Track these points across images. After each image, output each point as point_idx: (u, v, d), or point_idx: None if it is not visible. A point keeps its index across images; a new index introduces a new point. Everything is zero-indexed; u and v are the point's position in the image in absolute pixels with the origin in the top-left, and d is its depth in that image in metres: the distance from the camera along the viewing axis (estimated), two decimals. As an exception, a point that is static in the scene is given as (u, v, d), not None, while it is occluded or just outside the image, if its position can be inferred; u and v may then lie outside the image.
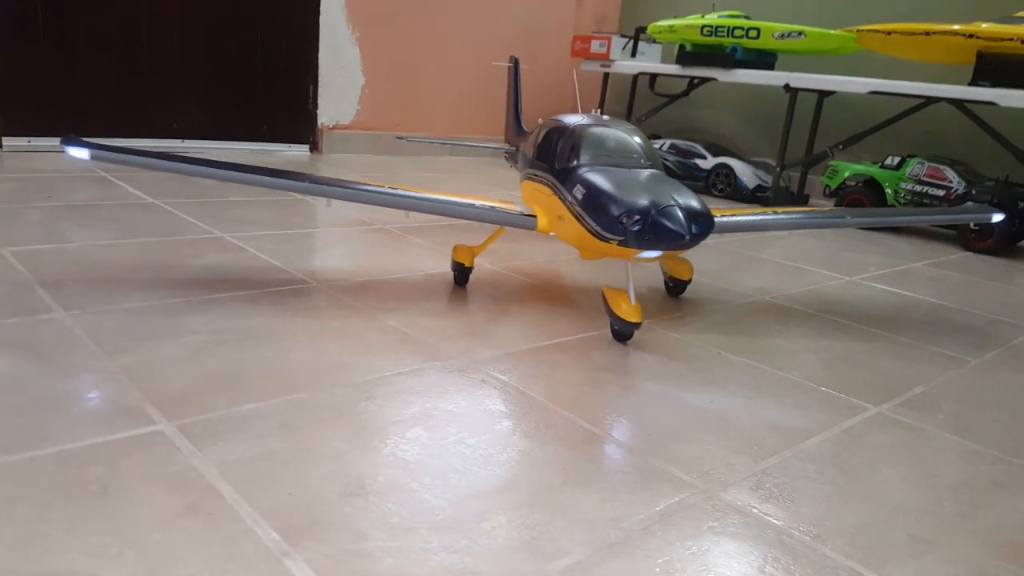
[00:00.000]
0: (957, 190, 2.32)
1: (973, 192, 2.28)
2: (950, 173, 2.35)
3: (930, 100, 2.46)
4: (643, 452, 0.80)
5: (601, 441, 0.82)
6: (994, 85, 2.27)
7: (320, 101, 2.93)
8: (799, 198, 2.99)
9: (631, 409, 0.91)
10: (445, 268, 1.44)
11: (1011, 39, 2.21)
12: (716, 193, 2.92)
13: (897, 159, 2.47)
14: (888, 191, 2.45)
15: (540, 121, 1.43)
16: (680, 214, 1.01)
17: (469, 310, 1.23)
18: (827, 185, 2.61)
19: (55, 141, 2.36)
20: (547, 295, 1.35)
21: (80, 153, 1.11)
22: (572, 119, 1.26)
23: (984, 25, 2.28)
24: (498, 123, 3.42)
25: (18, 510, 0.61)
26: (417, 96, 3.20)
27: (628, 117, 3.43)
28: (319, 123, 2.96)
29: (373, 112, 3.08)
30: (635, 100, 3.42)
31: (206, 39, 2.65)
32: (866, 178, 2.51)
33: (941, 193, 2.35)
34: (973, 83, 2.32)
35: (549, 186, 1.22)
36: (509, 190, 2.51)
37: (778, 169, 2.81)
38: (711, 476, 0.76)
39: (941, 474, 0.82)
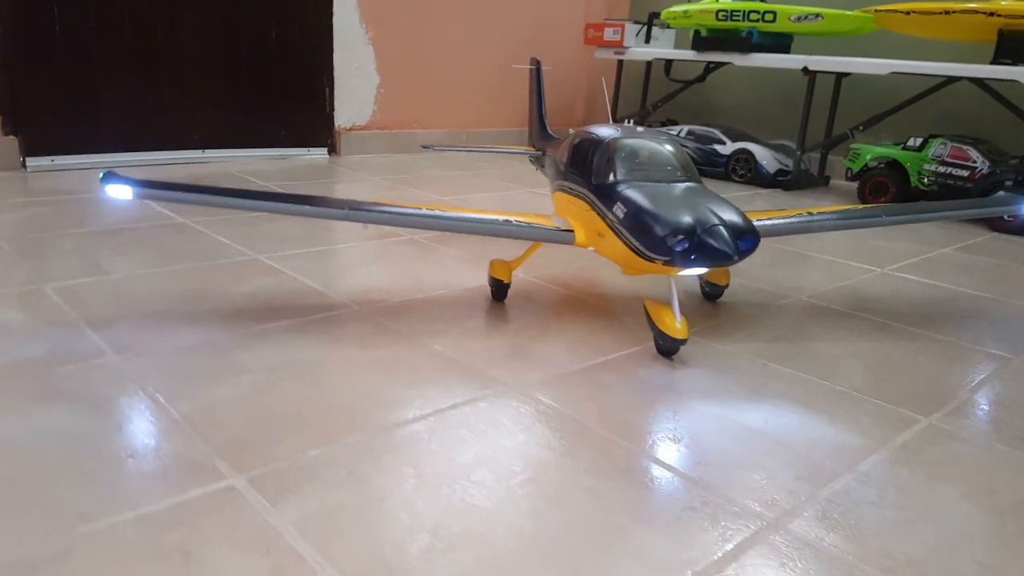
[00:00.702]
0: (981, 170, 2.30)
1: (998, 172, 2.26)
2: (973, 153, 2.33)
3: (951, 79, 2.44)
4: (706, 483, 0.81)
5: (662, 473, 0.83)
6: (1016, 63, 2.24)
7: (336, 103, 2.94)
8: (820, 180, 2.97)
9: (687, 434, 0.92)
10: (480, 281, 1.45)
11: (1035, 16, 2.18)
12: (736, 179, 2.91)
13: (919, 140, 2.44)
14: (911, 173, 2.44)
15: (571, 131, 1.43)
16: (726, 232, 1.01)
17: (511, 328, 1.24)
18: (849, 168, 2.59)
19: (78, 158, 2.40)
20: (586, 307, 1.36)
21: (122, 192, 1.12)
22: (606, 131, 1.26)
23: (1004, 2, 2.24)
24: (514, 112, 3.42)
25: (112, 580, 0.63)
26: (432, 91, 3.20)
27: (643, 104, 3.42)
28: (336, 125, 2.96)
29: (389, 111, 3.08)
30: (650, 86, 3.39)
31: (220, 48, 2.65)
32: (889, 160, 2.49)
33: (965, 174, 2.34)
34: (995, 61, 2.29)
35: (586, 201, 1.22)
36: (530, 186, 2.51)
37: (798, 153, 2.79)
38: (776, 506, 0.77)
39: (999, 490, 0.83)
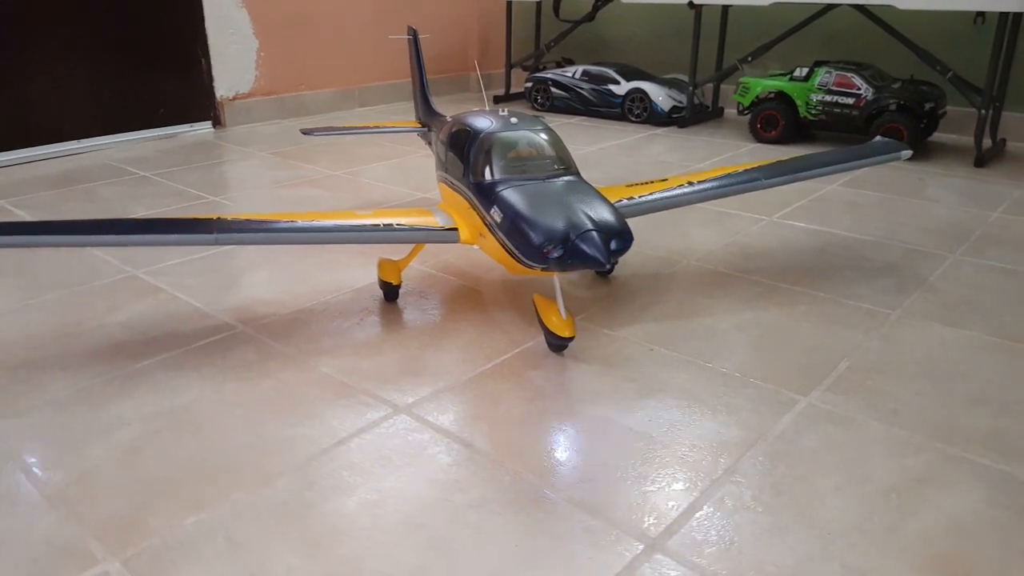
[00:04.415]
0: (866, 96, 2.36)
1: (882, 97, 2.32)
2: (858, 80, 2.37)
3: (831, 6, 2.46)
4: (591, 505, 0.82)
5: (548, 498, 0.84)
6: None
7: (215, 73, 2.77)
8: (714, 113, 2.99)
9: (573, 446, 0.93)
10: (371, 279, 1.42)
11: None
12: (633, 119, 2.90)
13: (805, 70, 2.47)
14: (799, 104, 2.47)
15: (449, 118, 1.38)
16: (598, 237, 1.00)
17: (404, 336, 1.22)
18: (739, 103, 2.61)
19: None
20: (482, 301, 1.35)
21: None
22: (482, 122, 1.22)
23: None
24: (401, 66, 3.30)
25: None
26: (316, 50, 3.05)
27: (536, 45, 3.34)
28: (218, 96, 2.80)
29: (273, 75, 2.93)
30: (542, 26, 3.31)
31: (81, 26, 2.44)
32: (777, 92, 2.52)
33: (851, 101, 2.39)
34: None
35: (466, 199, 1.20)
36: (425, 150, 2.45)
37: (690, 88, 2.80)
38: (654, 525, 0.80)
39: (872, 477, 0.87)
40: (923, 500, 0.83)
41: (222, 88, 2.80)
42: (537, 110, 3.13)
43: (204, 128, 2.80)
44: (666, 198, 1.32)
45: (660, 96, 2.83)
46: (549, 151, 1.17)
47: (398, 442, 0.94)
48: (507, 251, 1.08)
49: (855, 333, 1.21)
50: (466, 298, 1.36)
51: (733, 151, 2.47)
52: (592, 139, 2.66)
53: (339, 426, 0.97)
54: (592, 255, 0.99)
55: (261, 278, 1.46)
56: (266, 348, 1.18)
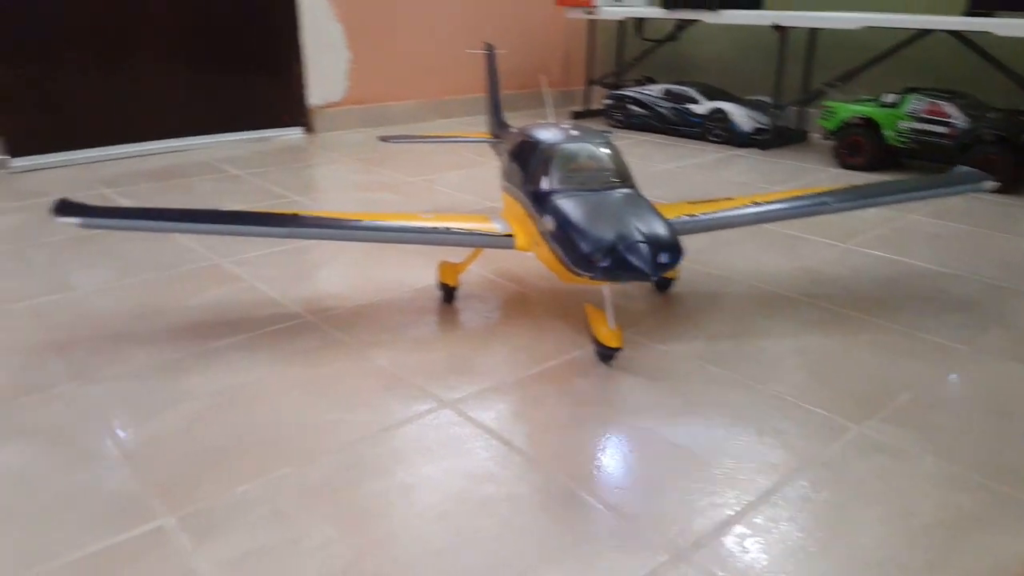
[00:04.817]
0: (959, 125, 2.26)
1: (977, 128, 2.22)
2: (951, 108, 2.29)
3: (925, 32, 2.38)
4: (620, 511, 0.83)
5: (578, 500, 0.85)
6: (990, 13, 2.19)
7: (309, 82, 2.91)
8: (798, 136, 2.94)
9: (610, 454, 0.94)
10: (432, 280, 1.46)
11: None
12: (712, 139, 2.88)
13: (894, 96, 2.40)
14: (886, 130, 2.40)
15: (514, 130, 1.42)
16: (646, 249, 1.02)
17: (457, 336, 1.26)
18: (824, 127, 2.55)
19: (59, 156, 2.40)
20: (535, 307, 1.37)
21: (70, 221, 1.13)
22: (544, 134, 1.25)
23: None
24: (483, 80, 3.37)
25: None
26: (403, 62, 3.16)
27: (617, 62, 3.36)
28: (310, 104, 2.94)
29: (362, 85, 3.05)
30: (625, 45, 3.33)
31: (190, 36, 2.63)
32: (864, 118, 2.45)
33: (943, 130, 2.30)
34: (968, 12, 2.23)
35: (523, 206, 1.23)
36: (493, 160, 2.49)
37: (774, 110, 2.75)
38: (688, 535, 0.80)
39: (917, 511, 0.84)
40: (969, 540, 0.80)
41: (314, 96, 2.94)
42: (614, 127, 3.15)
43: (296, 133, 2.94)
44: (728, 217, 1.31)
45: (741, 117, 2.79)
46: (606, 163, 1.19)
47: (440, 434, 0.97)
48: (557, 259, 1.10)
49: (921, 366, 1.17)
50: (521, 304, 1.39)
51: (813, 176, 2.41)
52: (668, 157, 2.65)
53: (386, 415, 1.02)
54: (638, 266, 1.00)
55: (331, 273, 1.53)
56: (329, 337, 1.24)
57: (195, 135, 2.70)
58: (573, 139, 1.22)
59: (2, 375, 1.11)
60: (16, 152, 2.36)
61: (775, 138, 2.78)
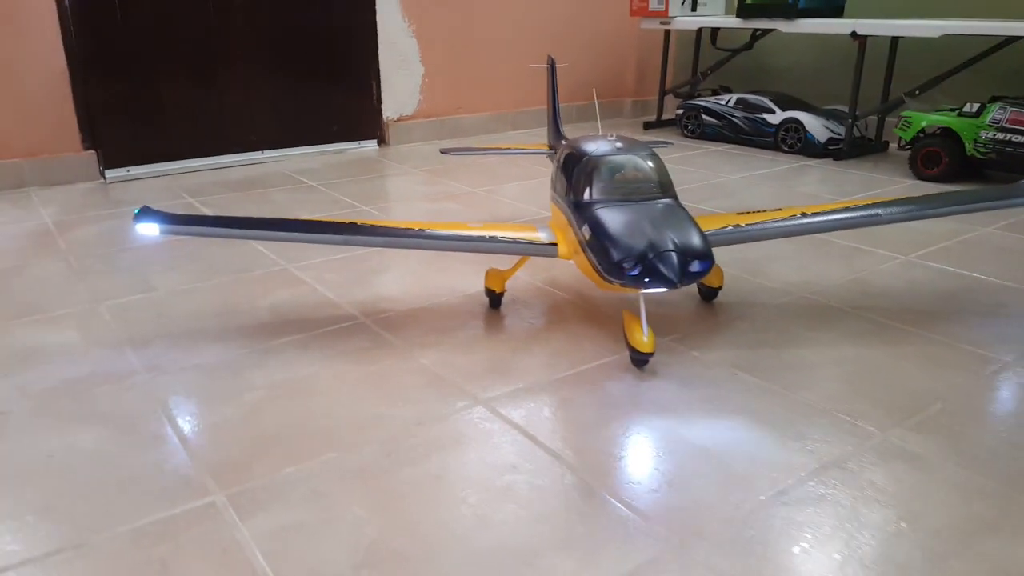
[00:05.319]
0: (1044, 135, 2.17)
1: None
2: (1035, 117, 2.19)
3: (1011, 39, 2.29)
4: (632, 504, 0.87)
5: (593, 493, 0.89)
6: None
7: (384, 96, 3.05)
8: (877, 147, 2.86)
9: (630, 453, 0.98)
10: (481, 286, 1.52)
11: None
12: (786, 149, 2.84)
13: (976, 105, 2.32)
14: (966, 141, 2.32)
15: (563, 142, 1.47)
16: (676, 258, 1.05)
17: (499, 340, 1.32)
18: (901, 137, 2.48)
19: (150, 167, 2.61)
20: (578, 314, 1.42)
21: (149, 230, 1.25)
22: (590, 146, 1.29)
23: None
24: (561, 88, 3.43)
25: (97, 593, 0.77)
26: (475, 75, 3.26)
27: (693, 72, 3.35)
28: (384, 118, 3.07)
29: (434, 99, 3.17)
30: (701, 54, 3.33)
31: (272, 52, 2.80)
32: (943, 128, 2.37)
33: (1027, 139, 2.20)
34: (1057, 18, 2.14)
35: (566, 217, 1.28)
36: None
37: (850, 120, 2.70)
38: (693, 528, 0.83)
39: (930, 516, 0.85)
40: (975, 545, 0.80)
41: (389, 110, 3.08)
42: (687, 137, 3.15)
43: (370, 146, 3.08)
44: (773, 228, 1.32)
45: (816, 127, 2.75)
46: (647, 175, 1.22)
47: (471, 428, 1.03)
48: (593, 267, 1.15)
49: (959, 377, 1.15)
50: (563, 310, 1.44)
51: (887, 187, 2.35)
52: (738, 167, 2.64)
53: (424, 410, 1.08)
54: (665, 274, 1.03)
55: (387, 278, 1.62)
56: (379, 338, 1.32)
57: (276, 148, 2.87)
58: (616, 151, 1.26)
59: (85, 366, 1.24)
60: (109, 164, 2.57)
61: (850, 149, 2.73)
